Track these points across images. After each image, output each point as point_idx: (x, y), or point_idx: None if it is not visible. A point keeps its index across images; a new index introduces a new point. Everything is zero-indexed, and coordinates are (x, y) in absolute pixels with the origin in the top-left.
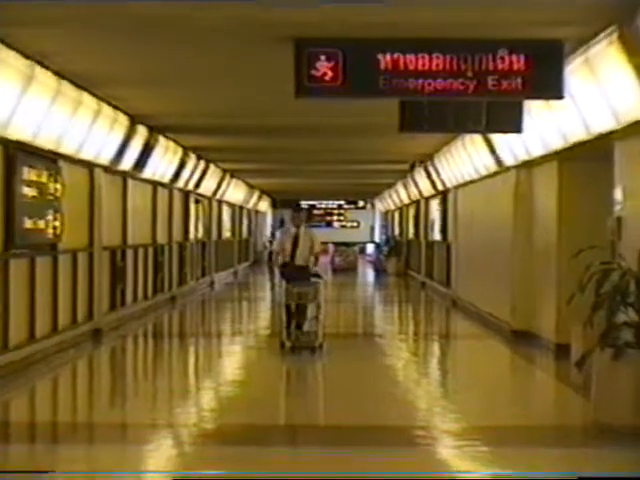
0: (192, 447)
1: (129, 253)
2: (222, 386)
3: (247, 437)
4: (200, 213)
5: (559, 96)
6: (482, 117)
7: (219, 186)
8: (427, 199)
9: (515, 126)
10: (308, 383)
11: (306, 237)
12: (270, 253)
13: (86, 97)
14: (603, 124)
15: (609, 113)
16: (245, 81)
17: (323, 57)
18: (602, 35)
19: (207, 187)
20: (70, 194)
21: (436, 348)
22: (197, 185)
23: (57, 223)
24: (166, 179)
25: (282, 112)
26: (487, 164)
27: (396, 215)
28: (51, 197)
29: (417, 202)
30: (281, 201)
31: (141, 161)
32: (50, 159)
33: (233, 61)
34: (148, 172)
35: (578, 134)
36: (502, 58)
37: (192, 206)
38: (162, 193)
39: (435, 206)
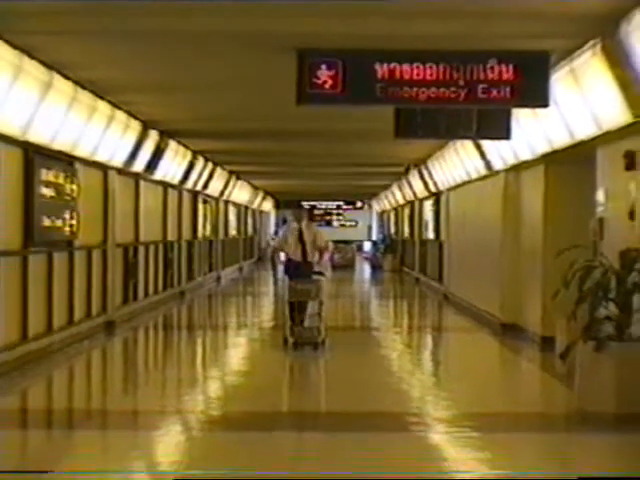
0: (199, 433)
1: (141, 250)
2: (228, 375)
3: (251, 423)
4: (208, 213)
5: (545, 104)
6: (473, 124)
7: (225, 187)
8: (421, 200)
9: (504, 132)
10: (308, 373)
11: (309, 232)
12: (274, 251)
13: (101, 103)
14: (586, 130)
15: (592, 120)
16: (250, 88)
17: (324, 66)
18: (586, 47)
19: (214, 188)
20: (85, 194)
21: (429, 340)
22: (205, 186)
23: (73, 222)
24: (176, 180)
25: (285, 117)
26: (477, 168)
27: (392, 215)
28: (68, 197)
29: (412, 203)
30: (284, 202)
31: (152, 163)
32: (67, 161)
33: (239, 69)
34: (159, 174)
35: (563, 140)
36: (492, 68)
37: (200, 206)
38: (172, 194)
39: (428, 207)
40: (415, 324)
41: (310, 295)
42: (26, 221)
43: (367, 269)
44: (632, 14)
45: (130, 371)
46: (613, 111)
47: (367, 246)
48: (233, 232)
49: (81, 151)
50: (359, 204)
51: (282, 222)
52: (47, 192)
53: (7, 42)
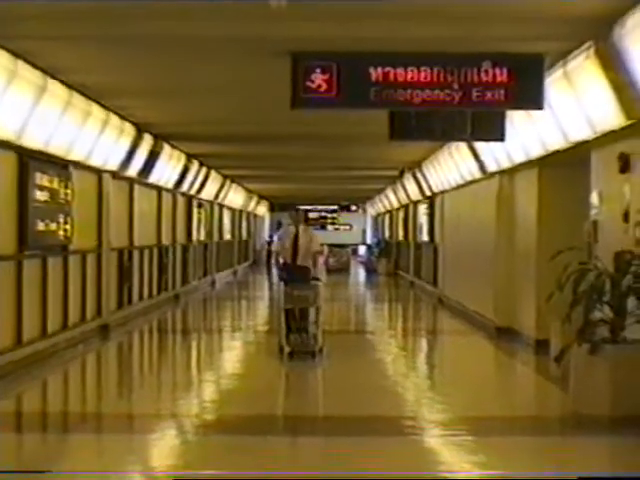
0: (194, 436)
1: (135, 254)
2: (223, 379)
3: (246, 427)
4: (202, 216)
5: (539, 107)
6: (467, 126)
7: (220, 191)
8: (415, 203)
9: (498, 135)
10: (303, 376)
11: (305, 236)
12: (269, 253)
13: (95, 107)
14: (580, 133)
15: (586, 123)
16: (245, 92)
17: (318, 70)
18: (580, 50)
19: (209, 192)
20: (80, 198)
21: (424, 344)
22: (199, 190)
23: (68, 226)
24: (170, 184)
25: (279, 121)
26: (472, 170)
27: (386, 218)
28: (62, 201)
29: (406, 206)
30: (278, 205)
31: (147, 167)
32: (61, 166)
33: (234, 73)
34: (153, 178)
35: (557, 142)
36: (486, 71)
37: (195, 210)
38: (166, 197)
39: (423, 210)
40: (410, 328)
41: (308, 301)
42: (20, 225)
43: (362, 273)
44: (626, 17)
45: (125, 375)
46: (607, 114)
47: (362, 250)
48: (227, 236)
49: (75, 155)
50: (354, 207)
51: (276, 226)
52: (41, 196)
53: (1, 46)
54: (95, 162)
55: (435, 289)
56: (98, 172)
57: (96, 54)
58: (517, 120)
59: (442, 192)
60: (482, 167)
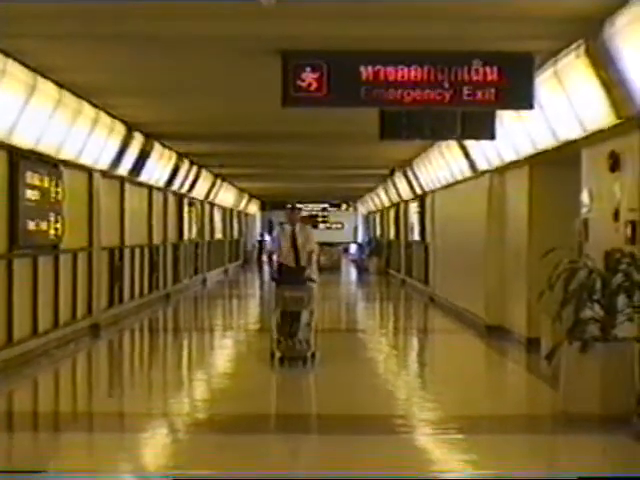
0: (185, 435)
1: (126, 253)
2: (213, 378)
3: (238, 426)
4: (193, 215)
5: (529, 106)
6: (457, 125)
7: (211, 190)
8: (406, 202)
9: (488, 133)
10: (295, 374)
11: (302, 234)
12: (260, 252)
13: (85, 106)
14: (570, 132)
15: (576, 122)
16: (235, 91)
17: (308, 68)
18: (570, 49)
19: (200, 191)
20: (70, 197)
21: (415, 342)
22: (190, 189)
23: (58, 225)
24: (161, 183)
25: (270, 120)
26: (462, 169)
27: (377, 217)
28: (53, 200)
29: (397, 205)
30: (269, 204)
31: (137, 166)
32: (52, 164)
33: (224, 72)
34: (144, 176)
35: (547, 141)
36: (476, 70)
37: (186, 209)
38: (157, 196)
39: (414, 209)
40: (401, 326)
41: (302, 304)
42: (11, 225)
43: (353, 271)
44: (616, 16)
45: (116, 374)
46: (597, 112)
47: (353, 248)
48: (219, 235)
49: (66, 154)
50: (345, 206)
51: (268, 224)
52: (32, 195)
53: None
54: (86, 161)
55: (426, 288)
56: (89, 171)
57: (87, 53)
58: (507, 119)
59: (433, 191)
60: (473, 166)
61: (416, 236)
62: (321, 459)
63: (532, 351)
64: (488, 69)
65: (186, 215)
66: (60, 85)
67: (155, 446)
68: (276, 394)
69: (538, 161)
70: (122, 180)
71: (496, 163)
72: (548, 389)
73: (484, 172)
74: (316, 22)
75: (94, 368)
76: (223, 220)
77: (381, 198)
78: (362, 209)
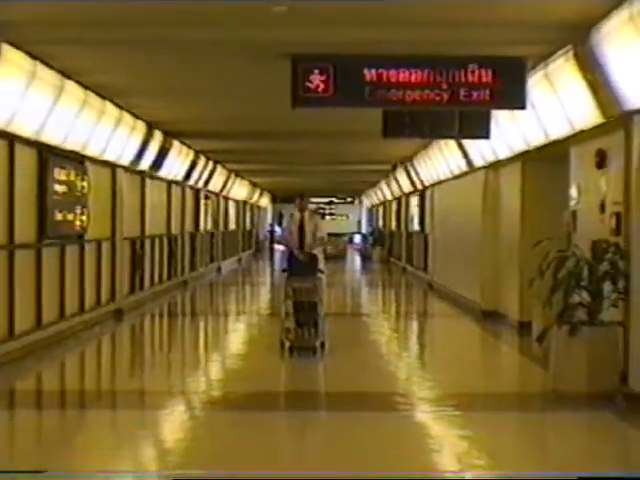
0: (202, 412)
1: (147, 243)
2: (228, 359)
3: (250, 402)
4: (209, 208)
5: (522, 106)
6: (455, 124)
7: (225, 184)
8: (407, 195)
9: (484, 132)
10: (304, 355)
11: (311, 222)
12: (271, 242)
13: (109, 106)
14: (560, 130)
15: (565, 121)
16: (248, 92)
17: (316, 71)
18: (560, 53)
19: (215, 185)
20: (95, 191)
21: (415, 326)
22: (206, 183)
23: (84, 216)
24: (179, 178)
25: (281, 119)
26: (460, 165)
27: (380, 209)
28: (79, 194)
29: (399, 198)
30: (280, 197)
31: (157, 162)
32: (78, 160)
33: (238, 75)
34: (163, 172)
35: (539, 139)
36: (472, 72)
37: (202, 202)
38: (176, 190)
39: (414, 202)
40: (402, 311)
41: (310, 294)
42: (40, 216)
43: (357, 260)
44: (602, 23)
45: (137, 355)
46: (585, 112)
47: (357, 238)
48: (232, 226)
49: (91, 151)
50: (350, 199)
51: (278, 216)
52: (60, 189)
53: (23, 50)
54: (109, 157)
55: (425, 275)
56: (112, 166)
57: (110, 57)
58: (502, 118)
59: (432, 185)
60: (469, 162)
61: (416, 227)
62: (328, 433)
63: (524, 334)
64: (483, 72)
65: (202, 207)
66: (85, 87)
67: (174, 422)
68: (285, 374)
69: (530, 158)
70: (143, 175)
71: (491, 160)
72: (539, 369)
73: (480, 168)
74: (323, 28)
75: (117, 349)
76: (237, 212)
77: (384, 192)
78: (366, 202)
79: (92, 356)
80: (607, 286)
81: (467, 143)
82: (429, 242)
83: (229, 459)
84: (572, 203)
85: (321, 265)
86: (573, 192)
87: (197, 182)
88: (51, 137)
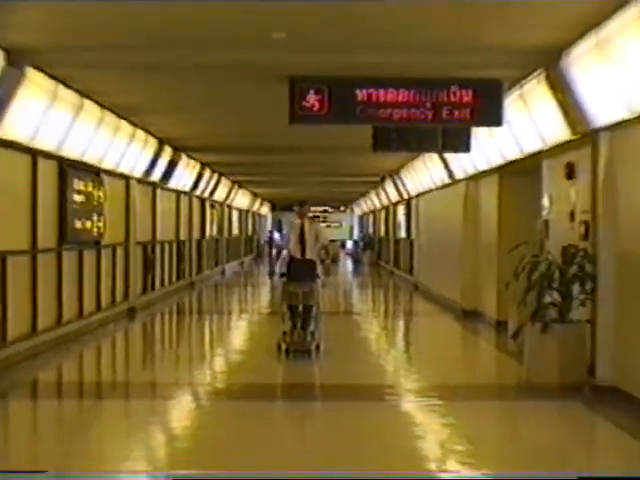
0: (207, 401)
1: (157, 247)
2: (231, 353)
3: (251, 393)
4: (214, 216)
5: (499, 124)
6: (438, 140)
7: (229, 194)
8: (395, 205)
9: (464, 147)
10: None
11: (311, 229)
12: (270, 248)
13: (123, 124)
14: (533, 145)
15: (538, 137)
16: (250, 110)
17: (312, 91)
18: (533, 76)
19: (220, 195)
20: (110, 200)
21: (401, 323)
22: (212, 193)
23: (100, 223)
24: (187, 188)
25: (279, 135)
26: (442, 177)
27: (370, 217)
28: (95, 203)
29: (387, 207)
30: (279, 206)
31: (167, 174)
32: (95, 173)
33: (241, 95)
34: (173, 183)
35: (514, 153)
36: (454, 93)
37: (208, 210)
38: (184, 200)
39: (401, 210)
40: (390, 309)
41: (307, 298)
42: (60, 223)
43: (349, 263)
44: (571, 49)
45: (148, 350)
46: (556, 129)
47: (349, 244)
48: (235, 232)
49: (107, 164)
50: (342, 208)
51: (277, 223)
52: (78, 199)
53: (45, 73)
54: (123, 170)
55: (411, 277)
56: (126, 178)
57: (125, 79)
58: (481, 134)
59: (417, 195)
60: (451, 174)
61: (403, 234)
62: (322, 421)
63: (501, 331)
64: (464, 92)
65: (208, 215)
66: (102, 106)
67: (181, 411)
68: (284, 367)
69: (506, 170)
70: (154, 186)
71: (471, 172)
72: (514, 363)
73: (461, 180)
74: (319, 53)
75: (130, 345)
76: (239, 219)
77: (373, 201)
78: (357, 210)
79: (107, 351)
80: (576, 287)
81: (449, 157)
82: (415, 247)
83: (232, 444)
84: (544, 212)
85: (319, 270)
86: (545, 202)
87: (203, 192)
88: (70, 151)
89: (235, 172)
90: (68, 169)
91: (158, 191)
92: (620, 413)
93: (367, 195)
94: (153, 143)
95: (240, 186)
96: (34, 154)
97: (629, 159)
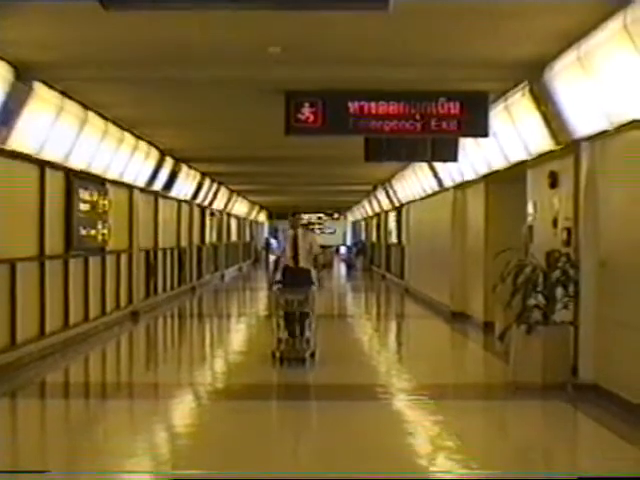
0: (207, 401)
1: (159, 254)
2: (230, 354)
3: (249, 393)
4: (214, 223)
5: (485, 134)
6: (427, 150)
7: (228, 202)
8: (386, 212)
9: (453, 156)
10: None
11: (305, 239)
12: (267, 253)
13: (127, 136)
14: (518, 155)
15: (522, 147)
16: (247, 123)
17: (307, 104)
18: (517, 88)
19: (219, 203)
20: (114, 209)
21: (393, 325)
22: (211, 202)
23: (105, 231)
24: (188, 197)
25: (276, 146)
26: (431, 185)
27: (363, 224)
28: (100, 211)
29: (379, 214)
30: (275, 213)
31: (168, 184)
32: (99, 182)
33: (238, 108)
34: (174, 192)
35: (500, 163)
36: (442, 105)
37: (207, 218)
38: (185, 208)
39: (392, 217)
40: (382, 312)
41: (302, 306)
42: (67, 231)
43: (343, 268)
44: (553, 63)
45: (151, 351)
46: (539, 140)
47: (343, 249)
48: (234, 239)
49: (111, 174)
50: (336, 215)
51: (274, 230)
52: (84, 207)
53: (51, 87)
54: (127, 179)
55: (402, 281)
56: (129, 187)
57: (127, 93)
58: (468, 144)
59: (408, 203)
60: (440, 183)
61: (394, 239)
62: (317, 419)
63: (488, 333)
64: (452, 104)
65: (208, 223)
66: (106, 119)
67: (183, 410)
68: (279, 367)
69: (493, 179)
70: (156, 195)
71: (459, 181)
72: (500, 363)
73: (449, 188)
74: (313, 68)
75: (134, 347)
76: (238, 227)
77: (366, 209)
78: (350, 217)
79: (112, 352)
80: (559, 291)
81: (438, 166)
82: (405, 252)
83: (232, 440)
84: (529, 218)
85: (314, 278)
86: (530, 209)
87: (203, 201)
88: (76, 162)
89: (233, 181)
90: (74, 179)
91: (160, 200)
92: (601, 410)
93: (360, 203)
94: (155, 154)
95: (238, 195)
96: (42, 165)
97: (609, 168)
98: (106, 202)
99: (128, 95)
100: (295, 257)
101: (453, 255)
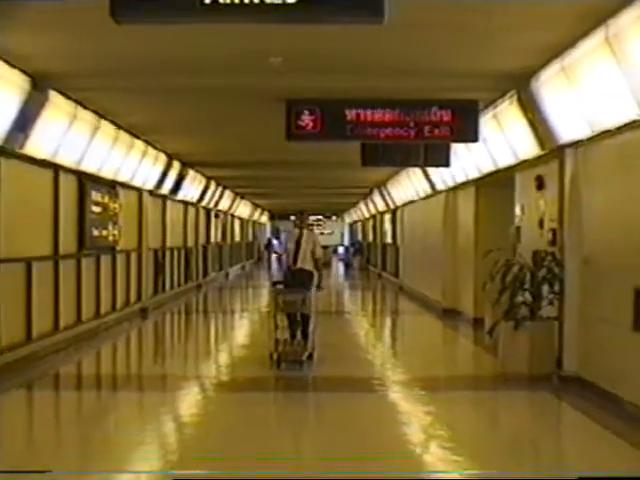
0: (212, 392)
1: (167, 253)
2: (234, 349)
3: (252, 385)
4: (218, 224)
5: (475, 140)
6: (421, 155)
7: (232, 204)
8: (382, 214)
9: (445, 161)
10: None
11: (308, 239)
12: (268, 252)
13: (136, 141)
14: (506, 160)
15: (511, 152)
16: (251, 129)
17: (306, 112)
18: (506, 97)
19: (223, 205)
20: (125, 211)
21: (388, 321)
22: (216, 204)
23: (115, 231)
24: (194, 200)
25: (277, 151)
26: (425, 189)
27: (359, 225)
28: (111, 213)
29: (374, 216)
30: (277, 215)
31: (176, 187)
32: (110, 185)
33: (242, 115)
34: (181, 195)
35: (489, 167)
36: (434, 113)
37: (213, 219)
38: (191, 210)
39: (388, 219)
40: (378, 309)
41: (296, 307)
42: (80, 231)
43: (341, 267)
44: (539, 73)
45: (159, 345)
46: (527, 146)
47: (341, 249)
48: (237, 239)
49: (122, 177)
50: (334, 217)
51: (275, 231)
52: (96, 209)
53: (65, 95)
54: (136, 183)
55: (397, 279)
56: (139, 190)
57: (138, 101)
58: (459, 150)
59: (402, 205)
60: (432, 186)
61: (389, 240)
62: (316, 410)
63: (477, 328)
64: (444, 112)
65: (213, 224)
66: (117, 125)
67: (189, 401)
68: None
69: (482, 183)
70: (164, 197)
71: (450, 184)
72: (489, 356)
73: (441, 191)
74: (312, 77)
75: (143, 341)
76: (241, 227)
77: (362, 210)
78: (348, 219)
79: (122, 347)
80: (545, 288)
81: (431, 171)
82: (400, 252)
83: (236, 428)
84: (517, 220)
85: (315, 279)
86: (517, 211)
87: (209, 203)
88: (89, 166)
89: (237, 185)
90: (87, 182)
91: (168, 202)
92: (583, 400)
93: (357, 205)
94: (163, 159)
95: (242, 197)
96: (56, 169)
97: (591, 172)
98: (117, 204)
99: (138, 104)
100: (295, 257)
101: (445, 255)
